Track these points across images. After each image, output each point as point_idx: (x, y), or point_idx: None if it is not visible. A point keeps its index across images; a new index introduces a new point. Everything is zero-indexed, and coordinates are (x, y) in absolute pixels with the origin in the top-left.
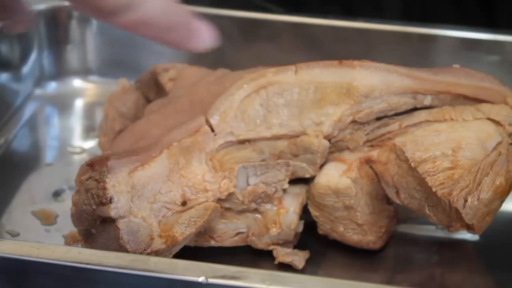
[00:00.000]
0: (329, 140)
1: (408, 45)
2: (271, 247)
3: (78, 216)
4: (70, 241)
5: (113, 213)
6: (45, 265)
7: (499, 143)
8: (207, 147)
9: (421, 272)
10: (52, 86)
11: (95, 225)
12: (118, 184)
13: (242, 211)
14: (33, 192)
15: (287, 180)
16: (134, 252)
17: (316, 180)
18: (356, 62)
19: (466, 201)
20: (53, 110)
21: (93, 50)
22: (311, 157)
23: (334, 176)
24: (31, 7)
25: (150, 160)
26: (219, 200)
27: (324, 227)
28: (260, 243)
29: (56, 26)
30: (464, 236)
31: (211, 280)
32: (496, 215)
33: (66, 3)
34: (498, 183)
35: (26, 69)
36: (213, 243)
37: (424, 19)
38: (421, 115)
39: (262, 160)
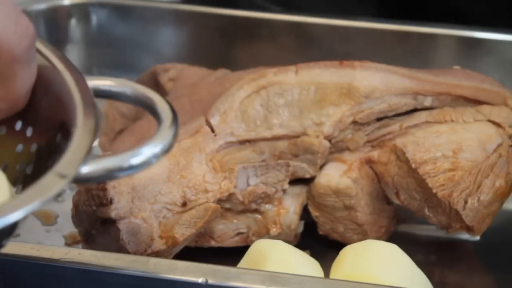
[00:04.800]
0: (330, 141)
1: (408, 45)
2: None
3: (78, 217)
4: (70, 241)
5: (113, 214)
6: (45, 266)
7: (500, 145)
8: (207, 148)
9: None
10: None
11: (96, 226)
12: (119, 185)
13: (242, 212)
14: None
15: (287, 180)
16: (135, 253)
17: (316, 180)
18: (356, 63)
19: (466, 202)
20: None
21: (93, 50)
22: (311, 158)
23: (335, 176)
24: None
25: None
26: (219, 201)
27: (324, 227)
28: None
29: (56, 26)
30: (464, 236)
31: (211, 281)
32: (497, 215)
33: (66, 3)
34: (498, 185)
35: None
36: (213, 243)
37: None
38: (422, 116)
39: (262, 161)
